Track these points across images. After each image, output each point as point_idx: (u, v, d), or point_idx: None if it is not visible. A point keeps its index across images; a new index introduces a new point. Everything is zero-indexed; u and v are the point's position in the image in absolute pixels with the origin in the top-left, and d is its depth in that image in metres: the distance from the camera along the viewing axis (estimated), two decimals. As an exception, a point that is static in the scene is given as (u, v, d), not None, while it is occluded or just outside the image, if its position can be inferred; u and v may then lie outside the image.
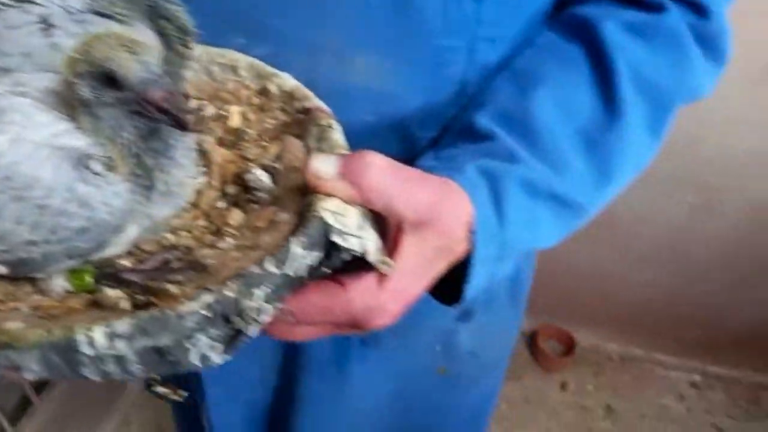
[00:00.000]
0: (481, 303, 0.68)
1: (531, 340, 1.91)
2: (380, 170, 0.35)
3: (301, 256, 0.31)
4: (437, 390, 0.78)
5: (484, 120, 0.46)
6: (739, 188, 1.46)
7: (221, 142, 0.42)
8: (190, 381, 0.68)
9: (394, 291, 0.38)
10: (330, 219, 0.33)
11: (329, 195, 0.34)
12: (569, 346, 1.88)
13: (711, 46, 0.50)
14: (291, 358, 0.66)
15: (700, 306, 1.74)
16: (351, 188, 0.34)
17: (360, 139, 0.47)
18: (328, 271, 0.35)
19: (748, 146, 1.38)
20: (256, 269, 0.29)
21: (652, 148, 0.51)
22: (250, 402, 0.73)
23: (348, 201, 0.34)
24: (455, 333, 0.72)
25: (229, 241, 0.36)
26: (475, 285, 0.45)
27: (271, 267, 0.30)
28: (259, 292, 0.29)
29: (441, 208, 0.38)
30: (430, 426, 0.83)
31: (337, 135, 0.39)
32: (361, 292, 0.37)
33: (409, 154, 0.49)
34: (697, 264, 1.64)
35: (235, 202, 0.39)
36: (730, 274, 1.64)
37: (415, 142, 0.51)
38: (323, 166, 0.34)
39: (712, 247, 1.59)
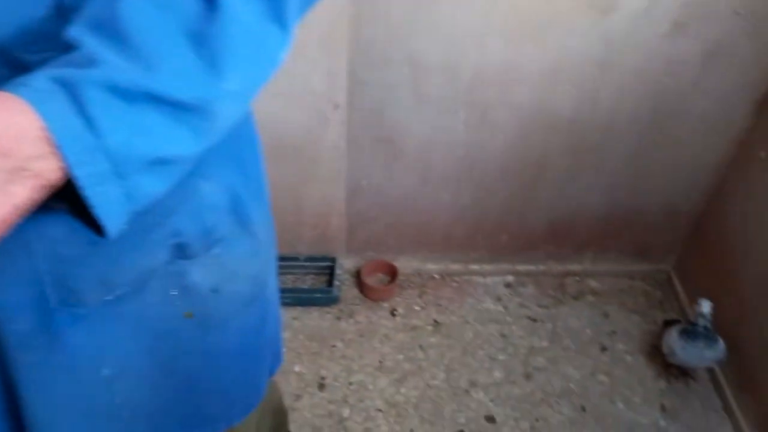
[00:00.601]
0: (195, 236, 0.67)
1: (357, 278, 1.97)
2: None
3: None
4: (192, 335, 0.77)
5: (73, 31, 0.43)
6: (502, 100, 1.57)
7: None
8: None
9: None
10: None
11: None
12: (393, 276, 1.96)
13: None
14: (-9, 336, 0.61)
15: (499, 214, 1.88)
16: None
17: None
18: None
19: (501, 58, 1.48)
20: None
21: (280, 37, 0.51)
22: (-23, 394, 0.68)
23: None
24: (186, 273, 0.70)
25: None
26: (108, 206, 0.43)
27: None
28: None
29: None
30: (200, 371, 0.82)
31: None
32: None
33: None
34: (486, 176, 1.76)
35: None
36: (515, 179, 1.78)
37: (25, 67, 0.48)
38: None
39: (494, 157, 1.72)
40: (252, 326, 0.85)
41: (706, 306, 1.60)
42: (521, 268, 2.05)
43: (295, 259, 1.95)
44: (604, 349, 1.86)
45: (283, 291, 1.91)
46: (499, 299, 1.99)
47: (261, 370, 0.93)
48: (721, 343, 1.64)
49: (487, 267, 2.04)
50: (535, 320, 1.94)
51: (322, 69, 1.45)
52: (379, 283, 1.99)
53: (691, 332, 1.63)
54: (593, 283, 2.06)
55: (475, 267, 2.04)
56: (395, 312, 1.93)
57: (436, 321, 1.91)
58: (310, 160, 1.67)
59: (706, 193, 1.80)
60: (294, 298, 1.91)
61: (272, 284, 0.88)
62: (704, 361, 1.65)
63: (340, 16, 1.35)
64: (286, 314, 1.90)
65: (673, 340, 1.67)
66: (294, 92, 1.50)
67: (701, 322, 1.61)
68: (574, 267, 2.05)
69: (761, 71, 1.50)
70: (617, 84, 1.51)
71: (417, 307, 1.95)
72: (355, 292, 1.98)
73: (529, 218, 1.89)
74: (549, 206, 1.86)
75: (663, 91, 1.52)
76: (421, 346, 1.84)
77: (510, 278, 2.06)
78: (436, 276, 2.05)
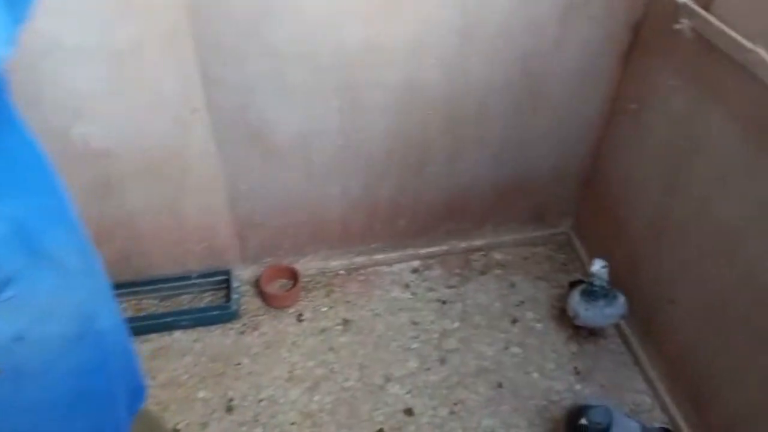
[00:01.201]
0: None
1: (258, 288, 1.87)
2: None
3: None
4: (7, 392, 0.66)
5: None
6: (372, 81, 1.50)
7: None
8: None
9: None
10: None
11: None
12: (296, 279, 1.87)
13: None
14: None
15: (392, 199, 1.83)
16: None
17: None
18: None
19: (361, 38, 1.41)
20: None
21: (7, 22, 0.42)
22: None
23: None
24: (-25, 326, 0.60)
25: None
26: None
27: None
28: None
29: None
30: (33, 428, 0.71)
31: None
32: None
33: None
34: (372, 161, 1.70)
35: None
36: (402, 161, 1.72)
37: None
38: None
39: (376, 142, 1.65)
40: (86, 367, 0.74)
41: (597, 265, 1.60)
42: (425, 251, 2.01)
43: (187, 278, 1.83)
44: (514, 320, 1.85)
45: (179, 313, 1.81)
46: (407, 286, 1.95)
47: (114, 411, 0.83)
48: (621, 298, 1.65)
49: (392, 255, 1.98)
50: (444, 302, 1.90)
51: (171, 72, 1.34)
52: (281, 289, 1.90)
53: (590, 292, 1.64)
54: (498, 256, 2.05)
55: (379, 257, 1.98)
56: (302, 317, 1.84)
57: (345, 319, 1.84)
58: (181, 171, 1.55)
59: (590, 149, 1.81)
60: (191, 319, 1.79)
61: (107, 314, 0.78)
62: (608, 318, 1.66)
63: (177, 12, 1.25)
64: (186, 337, 1.78)
65: (575, 302, 1.67)
66: (147, 101, 1.37)
67: (597, 282, 1.62)
68: (477, 242, 2.03)
69: (619, 23, 1.51)
70: (482, 51, 1.48)
71: (324, 308, 1.87)
72: (257, 302, 1.87)
73: (423, 199, 1.85)
74: (440, 184, 1.82)
75: (528, 52, 1.51)
76: (332, 348, 1.76)
77: (416, 263, 2.02)
78: (342, 272, 1.98)
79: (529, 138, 1.73)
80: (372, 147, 1.66)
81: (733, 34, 1.21)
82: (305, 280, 1.93)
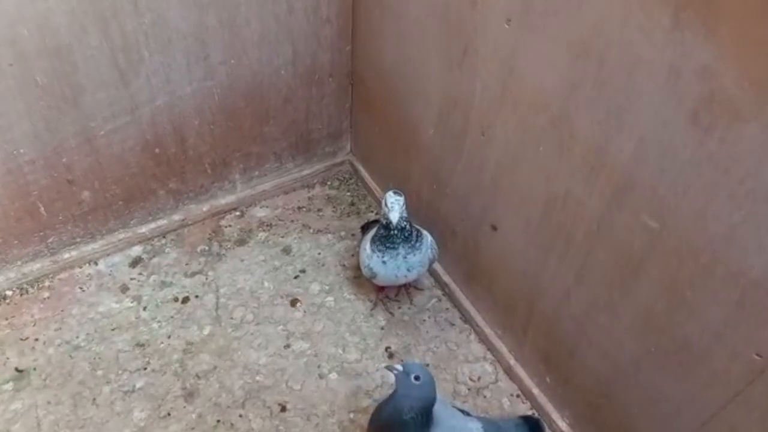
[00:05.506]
0: None
1: None
2: None
3: None
4: None
5: None
6: None
7: None
8: None
9: None
10: None
11: None
12: None
13: None
14: None
15: (48, 159, 1.11)
16: None
17: None
18: None
19: None
20: None
21: None
22: None
23: None
24: None
25: None
26: None
27: None
28: None
29: None
30: None
31: None
32: None
33: None
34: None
35: None
36: (27, 91, 1.01)
37: None
38: None
39: None
40: None
41: (391, 201, 1.05)
42: (146, 228, 1.33)
43: None
44: (295, 301, 1.26)
45: None
46: (125, 288, 1.26)
47: None
48: (428, 238, 1.13)
49: (92, 246, 1.28)
50: (186, 299, 1.25)
51: None
52: None
53: (385, 238, 1.09)
54: (260, 213, 1.43)
55: (71, 254, 1.26)
56: (-64, 386, 1.09)
57: (18, 370, 1.12)
58: None
59: (343, 27, 1.23)
60: None
61: None
62: (415, 269, 1.13)
63: None
64: None
65: (367, 256, 1.12)
66: None
67: (394, 224, 1.07)
68: (225, 199, 1.39)
69: None
70: None
71: (-18, 358, 1.13)
72: None
73: (104, 148, 1.15)
74: (122, 118, 1.13)
75: None
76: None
77: (136, 250, 1.33)
78: (10, 292, 1.23)
79: (240, 19, 1.09)
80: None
81: None
82: (-59, 321, 1.16)
